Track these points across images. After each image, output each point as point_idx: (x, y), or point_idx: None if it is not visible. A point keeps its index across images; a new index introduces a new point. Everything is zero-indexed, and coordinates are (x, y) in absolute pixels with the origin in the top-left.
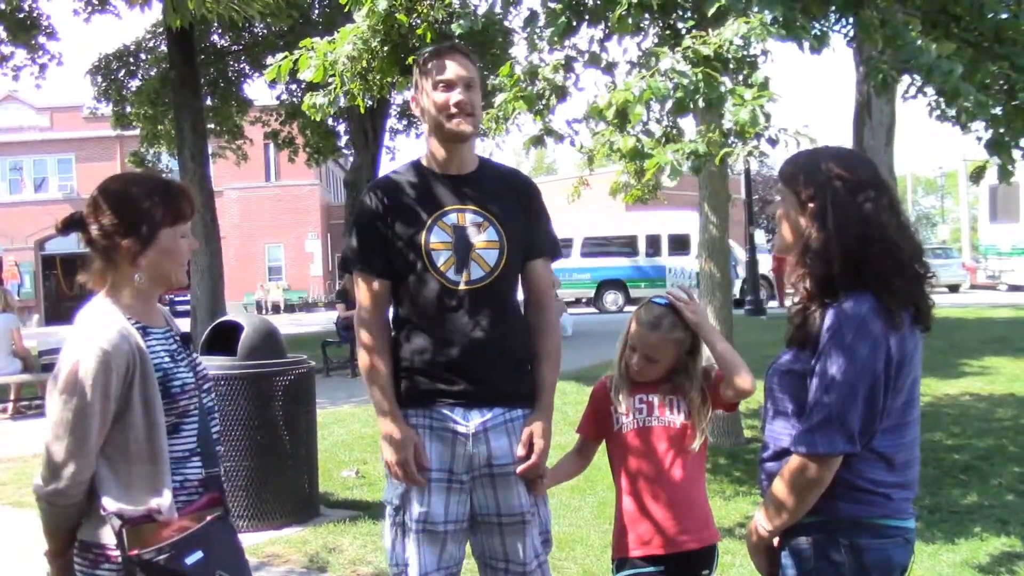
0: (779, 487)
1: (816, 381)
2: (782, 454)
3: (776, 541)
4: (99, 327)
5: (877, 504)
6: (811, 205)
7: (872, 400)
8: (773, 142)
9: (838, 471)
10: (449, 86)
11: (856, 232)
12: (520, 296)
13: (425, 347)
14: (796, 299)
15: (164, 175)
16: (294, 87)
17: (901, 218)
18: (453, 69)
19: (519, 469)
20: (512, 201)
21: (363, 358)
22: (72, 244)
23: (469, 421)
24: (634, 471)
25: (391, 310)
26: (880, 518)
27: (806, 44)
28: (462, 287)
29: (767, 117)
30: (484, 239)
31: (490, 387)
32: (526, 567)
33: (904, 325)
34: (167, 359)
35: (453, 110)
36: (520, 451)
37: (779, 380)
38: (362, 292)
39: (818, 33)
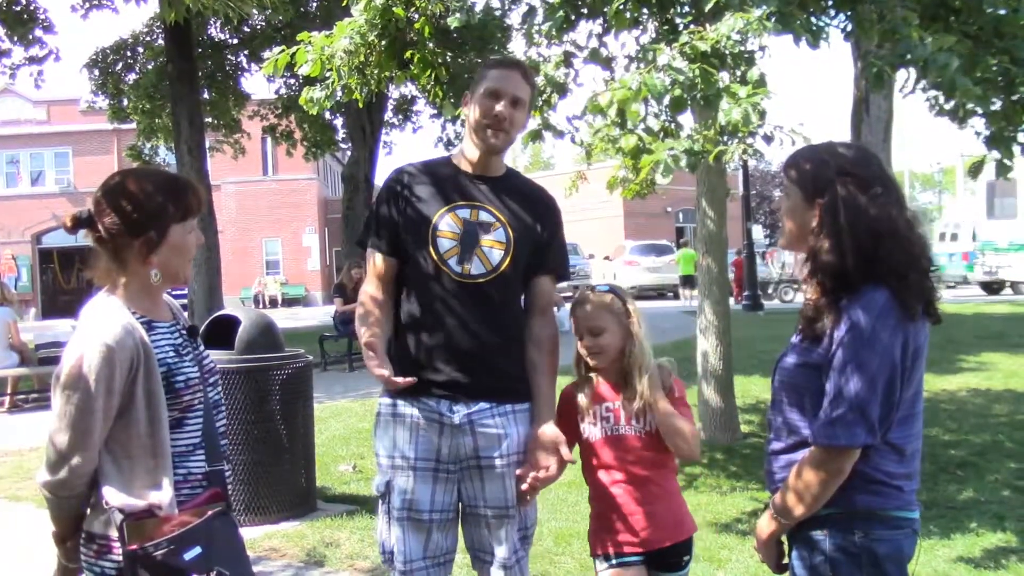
0: (797, 480)
1: (835, 374)
2: (795, 447)
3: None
4: (104, 322)
5: (891, 496)
6: (820, 201)
7: (890, 391)
8: (768, 139)
9: (855, 463)
10: (496, 96)
11: (867, 228)
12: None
13: (420, 333)
14: (810, 293)
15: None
16: (291, 81)
17: (908, 213)
18: (505, 82)
19: (519, 472)
20: (530, 213)
21: (359, 326)
22: (69, 238)
23: (455, 413)
24: (605, 477)
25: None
26: (893, 510)
27: (803, 39)
28: (461, 279)
29: (761, 115)
30: (492, 238)
31: (477, 380)
32: (506, 561)
33: (919, 316)
34: (171, 354)
35: (487, 120)
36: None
37: (791, 373)
38: (371, 266)
39: (815, 28)
